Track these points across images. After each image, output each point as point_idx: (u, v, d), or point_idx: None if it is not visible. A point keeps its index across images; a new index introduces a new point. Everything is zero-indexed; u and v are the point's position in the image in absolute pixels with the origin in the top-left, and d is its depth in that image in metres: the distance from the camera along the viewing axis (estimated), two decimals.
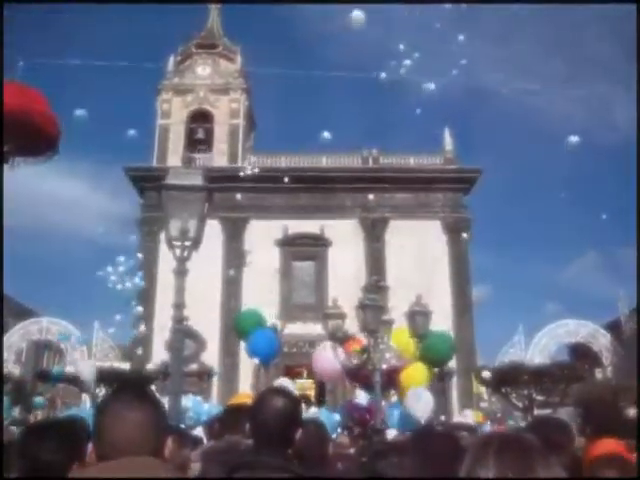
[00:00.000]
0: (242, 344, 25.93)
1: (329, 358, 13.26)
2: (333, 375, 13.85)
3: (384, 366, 12.36)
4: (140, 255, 24.74)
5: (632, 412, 3.89)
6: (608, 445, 3.03)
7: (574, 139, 15.89)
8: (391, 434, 9.80)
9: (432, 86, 13.93)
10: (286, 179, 25.82)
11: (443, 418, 16.97)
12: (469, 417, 16.12)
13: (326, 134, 19.04)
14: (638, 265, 15.64)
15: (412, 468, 2.76)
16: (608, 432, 3.13)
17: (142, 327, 23.35)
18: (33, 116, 5.13)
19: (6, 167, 5.42)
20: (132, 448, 1.75)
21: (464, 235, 27.36)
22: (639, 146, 13.11)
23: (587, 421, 3.35)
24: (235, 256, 29.97)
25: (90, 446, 1.86)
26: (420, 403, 10.81)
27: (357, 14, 12.31)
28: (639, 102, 12.93)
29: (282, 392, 2.70)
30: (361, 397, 13.63)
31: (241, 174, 24.62)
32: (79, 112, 15.02)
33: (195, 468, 3.90)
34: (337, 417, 12.12)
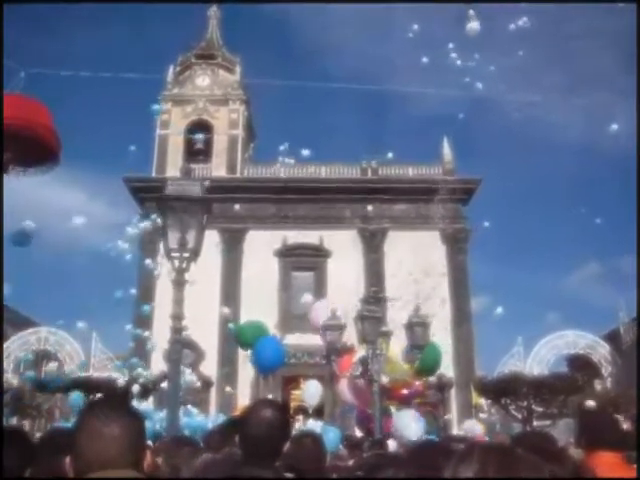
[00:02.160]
0: (241, 354, 26.01)
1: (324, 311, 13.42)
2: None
3: (405, 391, 12.53)
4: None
5: (626, 425, 3.86)
6: (605, 458, 3.02)
7: (614, 126, 16.09)
8: (392, 446, 9.76)
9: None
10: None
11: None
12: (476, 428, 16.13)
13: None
14: (638, 274, 15.65)
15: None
16: (603, 443, 3.12)
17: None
18: (37, 129, 5.17)
19: (6, 176, 5.46)
20: (109, 464, 1.73)
21: (486, 224, 26.55)
22: (639, 155, 13.13)
23: (582, 432, 3.34)
24: (233, 266, 30.05)
25: (67, 459, 1.84)
26: (412, 426, 10.83)
27: (473, 25, 12.44)
28: (639, 105, 12.92)
29: (271, 404, 2.69)
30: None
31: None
32: (156, 107, 15.60)
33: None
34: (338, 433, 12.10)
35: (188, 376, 18.21)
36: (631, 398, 15.32)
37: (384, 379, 12.73)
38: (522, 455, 1.52)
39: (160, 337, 18.73)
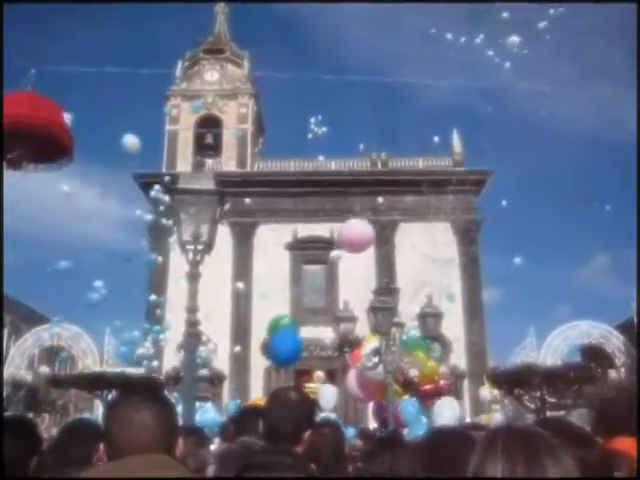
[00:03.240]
0: (253, 347, 26.06)
1: (359, 227, 13.20)
2: (363, 242, 13.37)
3: (428, 386, 12.55)
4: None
5: None
6: (623, 444, 3.00)
7: None
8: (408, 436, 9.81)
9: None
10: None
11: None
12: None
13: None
14: (638, 267, 15.60)
15: (425, 465, 2.75)
16: (622, 430, 3.10)
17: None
18: (50, 125, 5.21)
19: (20, 172, 5.51)
20: (142, 450, 1.75)
21: (503, 203, 25.83)
22: (639, 150, 13.07)
23: (599, 421, 3.32)
24: (244, 260, 30.13)
25: (101, 447, 1.88)
26: (448, 412, 10.95)
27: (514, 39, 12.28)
28: (639, 100, 12.87)
29: (295, 391, 2.70)
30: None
31: None
32: (198, 103, 14.23)
33: (210, 470, 3.90)
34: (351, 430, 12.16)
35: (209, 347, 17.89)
36: None
37: (413, 372, 12.75)
38: (546, 437, 1.53)
39: (174, 330, 18.81)
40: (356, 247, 13.14)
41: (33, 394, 23.73)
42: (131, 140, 14.50)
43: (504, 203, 23.38)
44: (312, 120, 24.23)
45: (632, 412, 3.42)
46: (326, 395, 15.35)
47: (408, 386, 12.91)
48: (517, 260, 19.60)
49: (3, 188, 5.51)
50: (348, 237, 12.94)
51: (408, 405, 12.44)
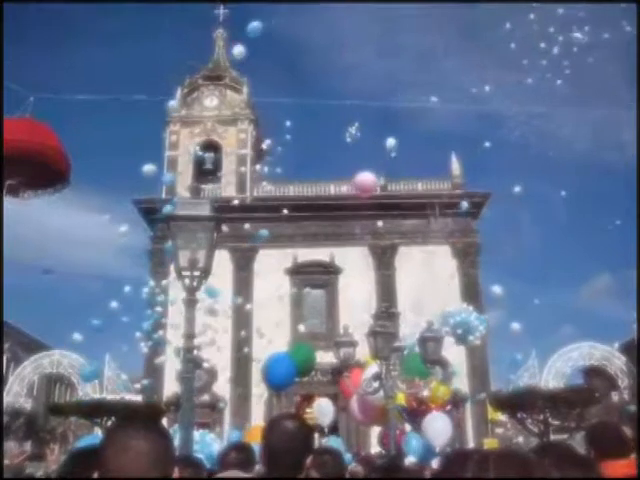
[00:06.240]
0: (254, 373, 25.90)
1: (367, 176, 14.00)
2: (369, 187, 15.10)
3: (434, 411, 12.52)
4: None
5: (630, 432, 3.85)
6: (620, 468, 2.99)
7: None
8: (409, 461, 9.75)
9: None
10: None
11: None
12: None
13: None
14: (638, 285, 15.60)
15: None
16: (611, 453, 3.10)
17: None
18: (45, 152, 5.23)
19: (18, 200, 5.52)
20: (135, 477, 1.73)
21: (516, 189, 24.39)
22: (639, 166, 13.07)
23: (590, 444, 3.33)
24: (245, 285, 30.06)
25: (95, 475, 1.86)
26: (437, 426, 10.89)
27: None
28: (639, 109, 12.87)
29: (293, 417, 2.68)
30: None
31: None
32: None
33: None
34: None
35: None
36: None
37: (426, 393, 12.74)
38: (537, 461, 1.52)
39: (172, 357, 18.69)
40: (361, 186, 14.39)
41: (32, 422, 23.56)
42: (149, 168, 17.22)
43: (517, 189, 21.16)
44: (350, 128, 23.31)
45: (619, 434, 3.43)
46: (322, 410, 15.47)
47: (419, 406, 12.81)
48: (517, 189, 18.77)
49: (3, 206, 5.51)
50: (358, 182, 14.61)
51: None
